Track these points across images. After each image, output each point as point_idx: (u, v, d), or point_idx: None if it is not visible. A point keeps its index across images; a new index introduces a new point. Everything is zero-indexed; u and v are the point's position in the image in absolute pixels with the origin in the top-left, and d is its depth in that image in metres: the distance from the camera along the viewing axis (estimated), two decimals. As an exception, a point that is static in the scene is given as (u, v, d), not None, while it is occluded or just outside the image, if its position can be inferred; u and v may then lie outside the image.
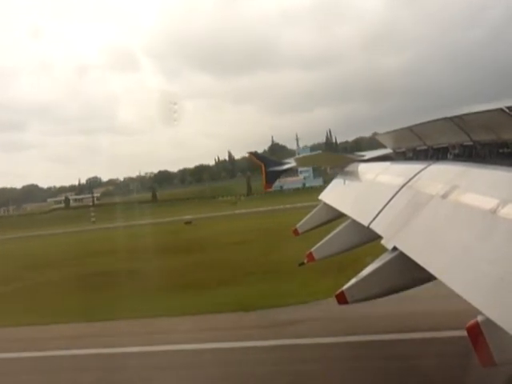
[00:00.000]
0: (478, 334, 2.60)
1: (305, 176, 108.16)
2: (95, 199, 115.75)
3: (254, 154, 13.50)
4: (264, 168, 12.21)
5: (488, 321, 2.49)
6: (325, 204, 8.84)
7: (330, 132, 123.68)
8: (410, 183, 5.06)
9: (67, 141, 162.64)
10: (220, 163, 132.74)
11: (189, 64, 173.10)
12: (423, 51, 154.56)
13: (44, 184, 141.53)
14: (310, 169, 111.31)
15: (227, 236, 29.43)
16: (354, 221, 6.40)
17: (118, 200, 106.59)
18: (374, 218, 5.18)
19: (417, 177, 5.08)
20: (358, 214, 6.32)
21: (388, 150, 8.71)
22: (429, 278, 3.54)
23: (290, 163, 12.80)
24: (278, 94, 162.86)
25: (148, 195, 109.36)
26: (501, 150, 4.96)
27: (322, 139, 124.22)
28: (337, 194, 8.70)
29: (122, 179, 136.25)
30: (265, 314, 11.72)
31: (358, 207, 6.77)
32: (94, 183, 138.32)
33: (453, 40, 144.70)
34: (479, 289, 2.77)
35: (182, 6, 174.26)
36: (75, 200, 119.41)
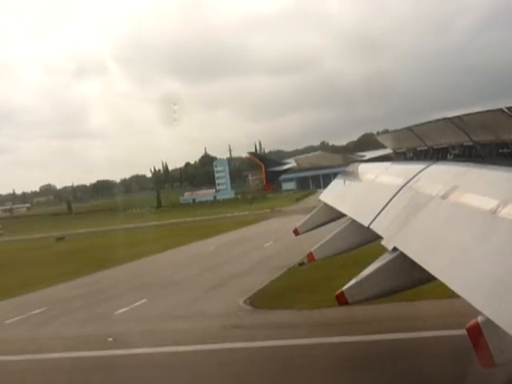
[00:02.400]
0: (478, 334, 2.59)
1: (221, 188, 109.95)
2: (26, 209, 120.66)
3: (254, 155, 13.53)
4: (264, 168, 12.22)
5: (488, 321, 2.49)
6: (325, 204, 8.84)
7: (260, 143, 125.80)
8: (410, 184, 5.05)
9: (38, 145, 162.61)
10: (156, 173, 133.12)
11: (159, 70, 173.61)
12: (393, 57, 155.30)
13: (4, 190, 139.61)
14: (228, 181, 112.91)
15: (64, 255, 33.09)
16: (354, 221, 6.40)
17: (42, 211, 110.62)
18: (375, 219, 5.17)
19: (417, 177, 5.07)
20: (358, 214, 6.31)
21: (388, 151, 8.71)
22: (429, 278, 3.54)
23: (290, 163, 12.80)
24: (247, 99, 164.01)
25: (83, 205, 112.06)
26: (500, 150, 4.96)
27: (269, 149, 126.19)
28: (337, 195, 8.70)
29: (75, 186, 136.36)
30: None
31: (359, 208, 6.77)
32: (46, 191, 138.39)
33: (423, 46, 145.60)
34: (479, 289, 2.76)
35: (152, 13, 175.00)
36: (4, 210, 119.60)
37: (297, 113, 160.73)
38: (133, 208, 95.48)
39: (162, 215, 74.11)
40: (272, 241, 27.44)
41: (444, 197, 3.95)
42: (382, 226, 4.96)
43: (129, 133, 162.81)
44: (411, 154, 7.53)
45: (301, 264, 7.85)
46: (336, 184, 9.35)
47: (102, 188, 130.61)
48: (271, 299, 14.09)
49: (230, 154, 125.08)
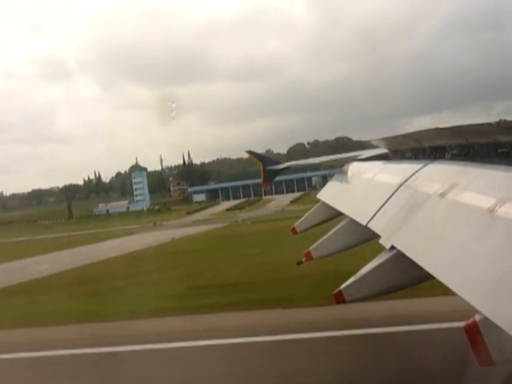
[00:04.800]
0: (476, 333, 2.60)
1: (139, 199, 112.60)
2: None
3: (252, 153, 13.56)
4: (262, 167, 12.27)
5: (486, 320, 2.50)
6: (323, 203, 8.85)
7: (188, 154, 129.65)
8: (407, 182, 5.06)
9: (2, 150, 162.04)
10: (89, 182, 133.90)
11: (123, 75, 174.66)
12: (358, 63, 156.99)
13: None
14: (146, 192, 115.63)
15: None
16: (351, 220, 6.40)
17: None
18: (372, 217, 5.18)
19: (414, 176, 5.08)
20: (355, 212, 6.32)
21: (385, 150, 8.72)
22: (427, 276, 3.54)
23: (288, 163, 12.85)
24: (211, 105, 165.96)
25: (4, 215, 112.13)
26: (499, 150, 4.96)
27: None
28: (335, 193, 8.71)
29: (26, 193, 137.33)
30: None
31: (356, 206, 6.78)
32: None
33: (388, 52, 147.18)
34: (477, 288, 2.77)
35: (116, 18, 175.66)
36: None
37: (254, 121, 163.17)
38: (45, 219, 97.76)
39: (61, 228, 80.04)
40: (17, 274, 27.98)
41: (442, 195, 3.95)
42: (379, 224, 4.96)
43: (93, 138, 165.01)
44: (409, 153, 7.53)
45: (299, 263, 7.82)
46: (334, 182, 9.36)
47: (36, 197, 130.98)
48: None
49: (162, 164, 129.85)
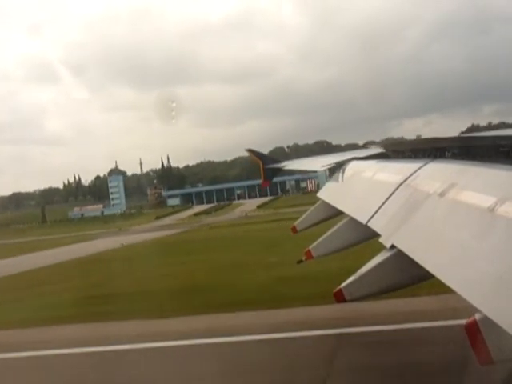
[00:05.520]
0: (476, 331, 2.61)
1: (115, 203, 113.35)
2: None
3: (252, 152, 13.57)
4: (262, 165, 12.28)
5: (486, 319, 2.50)
6: (323, 202, 8.86)
7: (167, 157, 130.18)
8: (407, 181, 5.06)
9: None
10: (68, 186, 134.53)
11: (112, 78, 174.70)
12: (347, 66, 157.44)
13: None
14: (122, 196, 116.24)
15: None
16: (352, 219, 6.41)
17: None
18: (372, 216, 5.18)
19: (415, 175, 5.08)
20: (355, 211, 6.33)
21: (385, 149, 8.72)
22: (427, 275, 3.55)
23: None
24: (200, 107, 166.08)
25: None
26: (500, 149, 4.97)
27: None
28: (335, 192, 8.72)
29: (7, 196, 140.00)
30: None
31: (356, 205, 6.78)
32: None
33: (377, 55, 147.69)
34: (477, 287, 2.78)
35: (105, 21, 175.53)
36: None
37: (243, 123, 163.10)
38: (20, 223, 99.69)
39: (33, 232, 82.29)
40: None
41: (442, 194, 3.96)
42: (379, 223, 4.96)
43: (81, 141, 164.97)
44: (409, 153, 7.54)
45: (299, 261, 7.83)
46: (333, 181, 9.36)
47: (16, 200, 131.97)
48: None
49: (141, 167, 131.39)
